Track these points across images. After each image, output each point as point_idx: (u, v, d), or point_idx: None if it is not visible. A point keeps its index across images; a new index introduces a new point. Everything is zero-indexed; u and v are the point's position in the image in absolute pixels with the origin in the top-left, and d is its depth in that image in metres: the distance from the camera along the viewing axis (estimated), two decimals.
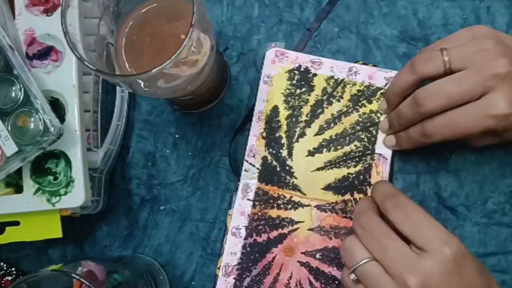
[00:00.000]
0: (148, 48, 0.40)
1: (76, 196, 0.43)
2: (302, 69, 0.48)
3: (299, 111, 0.48)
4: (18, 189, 0.44)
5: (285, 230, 0.47)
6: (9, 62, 0.42)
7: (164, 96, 0.46)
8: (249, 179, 0.48)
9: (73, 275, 0.37)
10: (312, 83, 0.48)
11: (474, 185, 0.47)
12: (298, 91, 0.48)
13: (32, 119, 0.42)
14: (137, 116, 0.51)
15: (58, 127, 0.41)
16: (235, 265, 0.47)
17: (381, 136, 0.47)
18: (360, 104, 0.48)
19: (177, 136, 0.50)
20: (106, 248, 0.50)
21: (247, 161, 0.48)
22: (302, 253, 0.46)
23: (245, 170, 0.48)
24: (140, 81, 0.34)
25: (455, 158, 0.47)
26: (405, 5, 0.49)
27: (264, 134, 0.48)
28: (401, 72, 0.44)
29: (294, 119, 0.48)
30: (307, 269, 0.46)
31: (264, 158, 0.48)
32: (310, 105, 0.48)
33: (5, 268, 0.50)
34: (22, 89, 0.42)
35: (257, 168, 0.48)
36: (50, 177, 0.44)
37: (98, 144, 0.48)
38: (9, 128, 0.42)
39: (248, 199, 0.47)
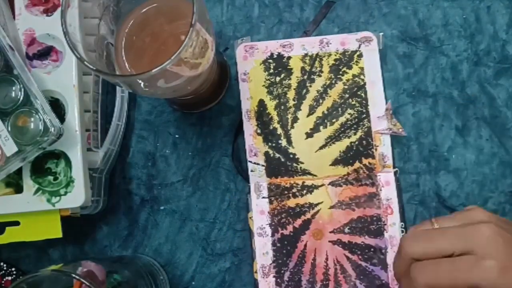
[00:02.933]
0: (148, 48, 0.40)
1: (76, 196, 0.43)
2: (275, 56, 0.48)
3: (285, 98, 0.48)
4: (18, 189, 0.44)
5: (308, 216, 0.47)
6: (9, 62, 0.42)
7: (164, 96, 0.46)
8: (258, 177, 0.48)
9: (73, 275, 0.37)
10: (289, 67, 0.48)
11: (474, 185, 0.47)
12: (277, 78, 0.48)
13: (32, 119, 0.42)
14: (137, 116, 0.51)
15: (58, 127, 0.41)
16: (270, 264, 0.47)
17: (371, 96, 0.47)
18: (341, 72, 0.48)
19: (177, 136, 0.50)
20: (106, 248, 0.50)
21: (250, 162, 0.48)
22: (330, 232, 0.47)
23: (252, 171, 0.48)
24: (140, 81, 0.34)
25: (455, 158, 0.47)
26: (405, 5, 0.49)
27: (259, 131, 0.48)
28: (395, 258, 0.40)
29: (282, 107, 0.48)
30: (340, 246, 0.47)
31: (266, 154, 0.48)
32: (294, 89, 0.48)
33: (5, 268, 0.50)
34: (22, 89, 0.42)
35: (262, 165, 0.48)
36: (50, 177, 0.44)
37: (98, 144, 0.48)
38: (9, 128, 0.42)
39: (263, 197, 0.48)
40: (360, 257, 0.46)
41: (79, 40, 0.36)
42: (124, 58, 0.40)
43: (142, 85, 0.35)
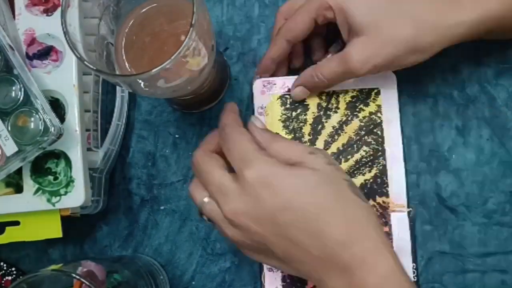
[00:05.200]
0: (148, 48, 0.40)
1: (76, 196, 0.43)
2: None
3: (300, 132, 0.48)
4: (18, 189, 0.44)
5: None
6: (9, 62, 0.42)
7: (164, 96, 0.46)
8: None
9: (73, 275, 0.37)
10: (305, 102, 0.48)
11: (474, 185, 0.47)
12: (294, 113, 0.48)
13: (32, 119, 0.42)
14: (137, 116, 0.51)
15: (58, 127, 0.41)
16: None
17: (387, 135, 0.47)
18: (358, 109, 0.47)
19: (177, 136, 0.50)
20: (106, 248, 0.50)
21: None
22: None
23: None
24: (140, 81, 0.34)
25: (455, 158, 0.47)
26: None
27: None
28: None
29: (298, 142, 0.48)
30: None
31: None
32: (310, 124, 0.48)
33: (5, 268, 0.50)
34: (22, 89, 0.42)
35: None
36: (50, 177, 0.44)
37: (98, 144, 0.48)
38: (9, 128, 0.42)
39: None
40: None
41: (79, 40, 0.36)
42: (124, 58, 0.40)
43: (142, 85, 0.35)
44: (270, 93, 0.48)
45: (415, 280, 0.46)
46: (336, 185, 0.37)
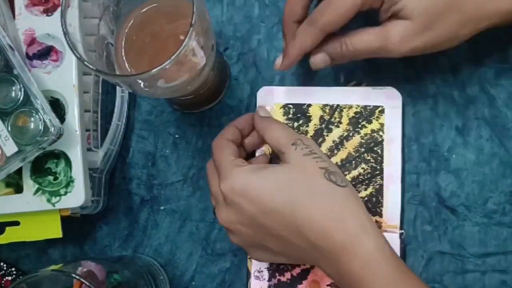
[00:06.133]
0: (148, 48, 0.40)
1: (76, 196, 0.43)
2: (295, 102, 0.48)
3: None
4: (18, 189, 0.44)
5: (307, 265, 0.46)
6: (9, 62, 0.42)
7: (164, 96, 0.46)
8: None
9: (73, 275, 0.37)
10: (308, 114, 0.48)
11: (474, 185, 0.47)
12: (295, 124, 0.48)
13: (32, 119, 0.42)
14: (137, 116, 0.51)
15: (58, 127, 0.41)
16: None
17: (387, 154, 0.47)
18: (360, 125, 0.47)
19: (177, 136, 0.50)
20: (106, 248, 0.50)
21: None
22: (328, 285, 0.46)
23: None
24: (140, 81, 0.34)
25: (455, 158, 0.47)
26: None
27: None
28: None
29: None
30: None
31: None
32: (310, 136, 0.47)
33: (5, 268, 0.50)
34: (22, 89, 0.42)
35: None
36: (50, 177, 0.44)
37: (98, 144, 0.48)
38: (9, 128, 0.42)
39: None
40: None
41: (79, 40, 0.36)
42: (124, 58, 0.40)
43: (142, 85, 0.35)
44: (273, 102, 0.48)
45: None
46: (310, 176, 0.38)
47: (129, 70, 0.40)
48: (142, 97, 0.51)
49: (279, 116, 0.48)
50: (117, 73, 0.40)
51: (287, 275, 0.47)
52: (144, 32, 0.40)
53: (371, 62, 0.48)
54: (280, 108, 0.48)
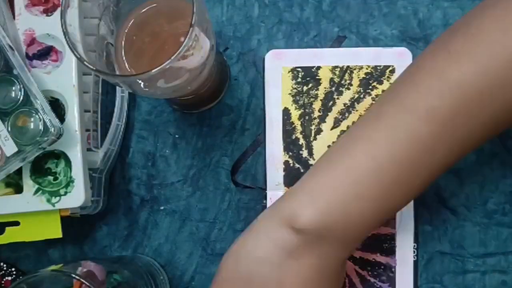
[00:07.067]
0: (148, 48, 0.40)
1: (76, 196, 0.43)
2: (304, 65, 0.48)
3: (310, 108, 0.47)
4: (18, 189, 0.44)
5: None
6: (9, 62, 0.42)
7: (164, 96, 0.46)
8: (275, 185, 0.47)
9: (73, 275, 0.37)
10: (317, 77, 0.47)
11: (474, 185, 0.47)
12: (305, 88, 0.47)
13: (32, 119, 0.42)
14: (137, 116, 0.51)
15: (58, 127, 0.41)
16: None
17: None
18: (371, 87, 0.46)
19: (177, 136, 0.50)
20: (106, 248, 0.50)
21: (270, 170, 0.47)
22: None
23: (270, 179, 0.47)
24: (140, 81, 0.34)
25: None
26: (405, 5, 0.49)
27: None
28: None
29: (307, 118, 0.47)
30: (351, 260, 0.46)
31: (286, 163, 0.47)
32: (320, 100, 0.47)
33: (5, 268, 0.50)
34: (22, 89, 0.42)
35: (281, 174, 0.47)
36: (50, 177, 0.44)
37: (98, 144, 0.48)
38: (9, 128, 0.42)
39: None
40: (369, 273, 0.46)
41: (79, 40, 0.36)
42: (124, 58, 0.40)
43: (142, 85, 0.35)
44: (281, 65, 0.47)
45: (415, 259, 0.46)
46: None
47: (129, 70, 0.40)
48: (142, 97, 0.51)
49: (287, 80, 0.47)
50: (117, 73, 0.40)
51: None
52: (144, 32, 0.40)
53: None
54: (289, 72, 0.47)
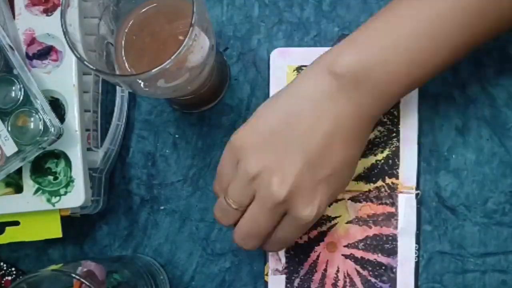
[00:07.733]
0: (148, 48, 0.40)
1: (76, 196, 0.43)
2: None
3: None
4: (18, 189, 0.44)
5: (324, 228, 0.47)
6: (9, 62, 0.42)
7: (164, 96, 0.46)
8: None
9: (73, 275, 0.37)
10: None
11: (474, 185, 0.47)
12: None
13: (32, 119, 0.42)
14: (137, 116, 0.51)
15: (58, 127, 0.41)
16: (282, 269, 0.47)
17: (403, 115, 0.46)
18: None
19: (177, 136, 0.50)
20: (106, 248, 0.50)
21: None
22: (344, 246, 0.47)
23: None
24: (140, 81, 0.34)
25: (455, 158, 0.47)
26: None
27: None
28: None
29: None
30: (352, 260, 0.46)
31: None
32: None
33: (5, 268, 0.50)
34: (22, 89, 0.42)
35: None
36: (50, 177, 0.44)
37: (98, 144, 0.48)
38: (9, 128, 0.42)
39: None
40: (370, 273, 0.46)
41: (79, 40, 0.36)
42: (124, 58, 0.40)
43: (142, 85, 0.35)
44: (286, 64, 0.47)
45: (416, 260, 0.46)
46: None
47: (129, 70, 0.40)
48: (142, 97, 0.51)
49: (292, 78, 0.47)
50: (117, 73, 0.40)
51: (304, 238, 0.47)
52: (144, 32, 0.40)
53: None
54: (294, 70, 0.47)
